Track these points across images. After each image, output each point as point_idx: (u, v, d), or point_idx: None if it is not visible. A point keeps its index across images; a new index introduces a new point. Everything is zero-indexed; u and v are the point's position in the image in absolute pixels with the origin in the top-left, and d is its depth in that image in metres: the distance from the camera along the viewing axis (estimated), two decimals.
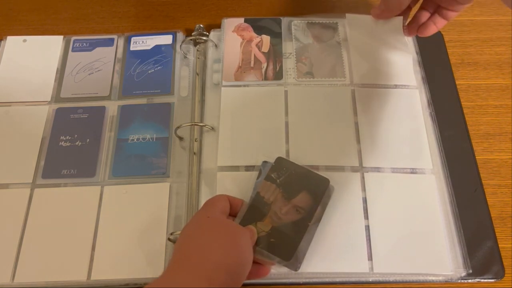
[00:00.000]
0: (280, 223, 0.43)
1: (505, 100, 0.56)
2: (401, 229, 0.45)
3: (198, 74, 0.56)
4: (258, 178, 0.46)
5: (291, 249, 0.42)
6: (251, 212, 0.43)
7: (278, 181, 0.45)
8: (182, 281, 0.33)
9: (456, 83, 0.57)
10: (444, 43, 0.60)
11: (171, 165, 0.51)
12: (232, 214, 0.43)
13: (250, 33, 0.58)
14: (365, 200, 0.47)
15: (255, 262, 0.40)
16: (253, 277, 0.41)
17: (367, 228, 0.45)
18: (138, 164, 0.51)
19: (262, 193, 0.44)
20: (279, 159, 0.47)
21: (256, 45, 0.58)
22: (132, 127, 0.53)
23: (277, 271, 0.43)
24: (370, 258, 0.44)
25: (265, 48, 0.58)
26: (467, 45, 0.61)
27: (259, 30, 0.59)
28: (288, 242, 0.42)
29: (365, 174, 0.48)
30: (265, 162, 0.47)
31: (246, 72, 0.55)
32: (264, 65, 0.56)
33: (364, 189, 0.48)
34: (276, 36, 0.59)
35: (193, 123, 0.52)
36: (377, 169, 0.49)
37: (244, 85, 0.54)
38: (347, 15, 0.59)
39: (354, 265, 0.44)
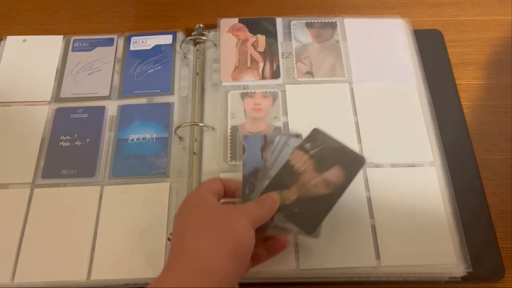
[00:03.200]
0: (307, 195, 0.40)
1: (505, 100, 0.56)
2: (401, 229, 0.45)
3: (198, 74, 0.56)
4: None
5: (314, 223, 0.39)
6: (278, 179, 0.41)
7: (311, 152, 0.43)
8: (180, 280, 0.33)
9: (456, 83, 0.57)
10: (444, 43, 0.60)
11: (171, 165, 0.50)
12: (228, 196, 0.42)
13: (245, 33, 0.58)
14: (369, 200, 0.47)
15: (268, 238, 0.39)
16: (272, 254, 0.40)
17: (373, 227, 0.45)
18: (138, 164, 0.50)
19: (292, 162, 0.42)
20: (315, 131, 0.44)
21: (252, 44, 0.58)
22: (132, 127, 0.53)
23: (279, 269, 0.43)
24: (378, 257, 0.44)
25: (261, 48, 0.58)
26: (467, 45, 0.61)
27: (253, 30, 0.59)
28: (312, 215, 0.39)
29: (367, 169, 0.48)
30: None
31: (244, 72, 0.55)
32: (261, 64, 0.56)
33: (368, 189, 0.47)
34: (271, 35, 0.59)
35: (193, 123, 0.52)
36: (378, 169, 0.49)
37: (244, 85, 0.55)
38: (345, 20, 0.59)
39: (359, 261, 0.43)
